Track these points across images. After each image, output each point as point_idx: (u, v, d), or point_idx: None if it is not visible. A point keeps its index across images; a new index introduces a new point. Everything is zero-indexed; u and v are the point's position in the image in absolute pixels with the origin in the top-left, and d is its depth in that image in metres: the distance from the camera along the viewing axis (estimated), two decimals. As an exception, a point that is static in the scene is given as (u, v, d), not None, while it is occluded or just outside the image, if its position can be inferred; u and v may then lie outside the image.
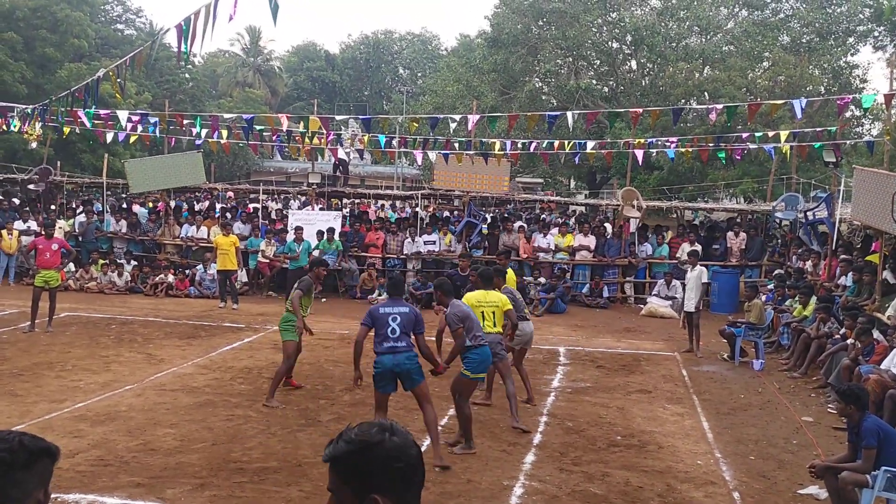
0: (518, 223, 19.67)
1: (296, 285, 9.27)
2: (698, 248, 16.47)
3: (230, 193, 25.27)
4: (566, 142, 20.55)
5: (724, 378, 11.03)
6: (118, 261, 17.86)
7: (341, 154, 22.43)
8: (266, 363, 10.60)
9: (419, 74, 58.95)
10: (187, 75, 40.90)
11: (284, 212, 20.96)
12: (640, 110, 17.73)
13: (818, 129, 19.41)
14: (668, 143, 21.00)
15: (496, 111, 25.89)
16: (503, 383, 8.34)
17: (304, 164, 36.92)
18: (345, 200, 24.50)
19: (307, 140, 20.03)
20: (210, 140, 20.51)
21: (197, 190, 22.68)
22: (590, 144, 20.02)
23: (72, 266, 16.71)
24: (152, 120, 19.42)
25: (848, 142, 21.79)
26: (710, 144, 20.20)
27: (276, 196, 28.06)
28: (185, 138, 21.69)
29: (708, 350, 12.66)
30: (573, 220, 21.06)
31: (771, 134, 19.15)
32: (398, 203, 26.57)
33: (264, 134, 22.31)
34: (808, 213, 15.94)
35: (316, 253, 16.53)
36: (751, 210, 19.72)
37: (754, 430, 8.48)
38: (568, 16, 28.00)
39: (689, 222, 20.65)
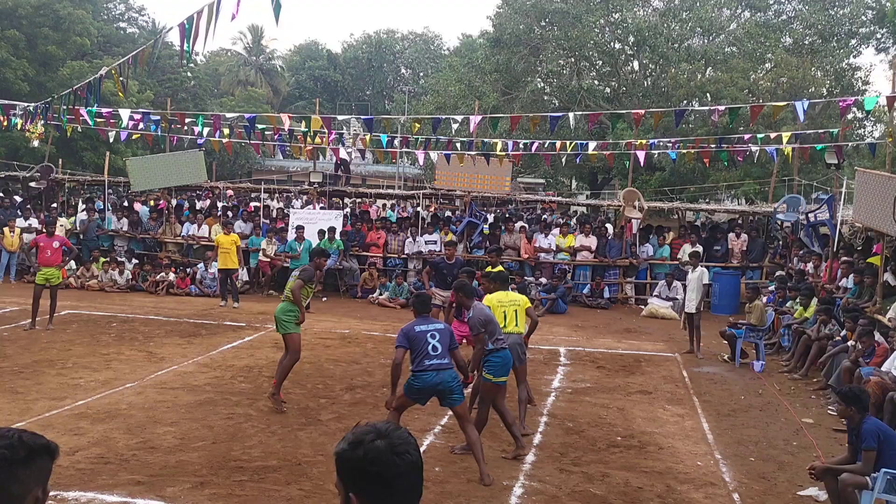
0: (519, 223, 19.68)
1: (297, 274, 8.64)
2: (699, 249, 16.45)
3: (230, 192, 25.27)
4: (568, 142, 20.57)
5: (725, 379, 11.02)
6: (119, 259, 17.87)
7: (343, 153, 22.47)
8: (267, 362, 10.60)
9: (421, 74, 58.88)
10: (189, 74, 40.86)
11: (286, 211, 20.97)
12: (643, 111, 17.71)
13: (820, 131, 19.40)
14: (669, 144, 21.01)
15: (498, 111, 25.91)
16: (517, 387, 8.23)
17: (305, 163, 36.91)
18: (346, 200, 24.50)
19: (309, 139, 20.06)
20: (212, 139, 20.54)
21: (198, 188, 22.70)
22: (591, 145, 20.04)
23: (73, 264, 16.75)
24: (154, 118, 19.47)
25: (850, 144, 21.81)
26: (712, 146, 20.21)
27: (277, 195, 28.05)
28: (186, 137, 21.70)
29: (708, 351, 12.65)
30: (574, 220, 21.05)
31: (773, 135, 19.16)
32: (399, 203, 26.55)
33: (266, 133, 22.34)
34: (809, 215, 15.93)
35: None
36: (752, 211, 19.67)
37: (754, 432, 8.47)
38: (570, 16, 27.99)
39: (690, 223, 20.62)
